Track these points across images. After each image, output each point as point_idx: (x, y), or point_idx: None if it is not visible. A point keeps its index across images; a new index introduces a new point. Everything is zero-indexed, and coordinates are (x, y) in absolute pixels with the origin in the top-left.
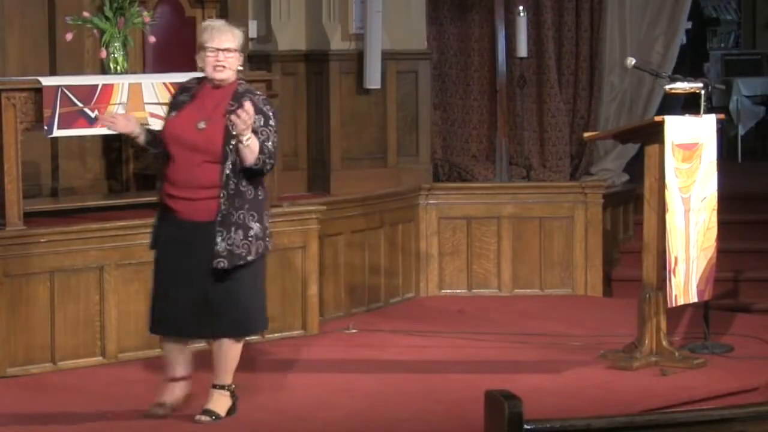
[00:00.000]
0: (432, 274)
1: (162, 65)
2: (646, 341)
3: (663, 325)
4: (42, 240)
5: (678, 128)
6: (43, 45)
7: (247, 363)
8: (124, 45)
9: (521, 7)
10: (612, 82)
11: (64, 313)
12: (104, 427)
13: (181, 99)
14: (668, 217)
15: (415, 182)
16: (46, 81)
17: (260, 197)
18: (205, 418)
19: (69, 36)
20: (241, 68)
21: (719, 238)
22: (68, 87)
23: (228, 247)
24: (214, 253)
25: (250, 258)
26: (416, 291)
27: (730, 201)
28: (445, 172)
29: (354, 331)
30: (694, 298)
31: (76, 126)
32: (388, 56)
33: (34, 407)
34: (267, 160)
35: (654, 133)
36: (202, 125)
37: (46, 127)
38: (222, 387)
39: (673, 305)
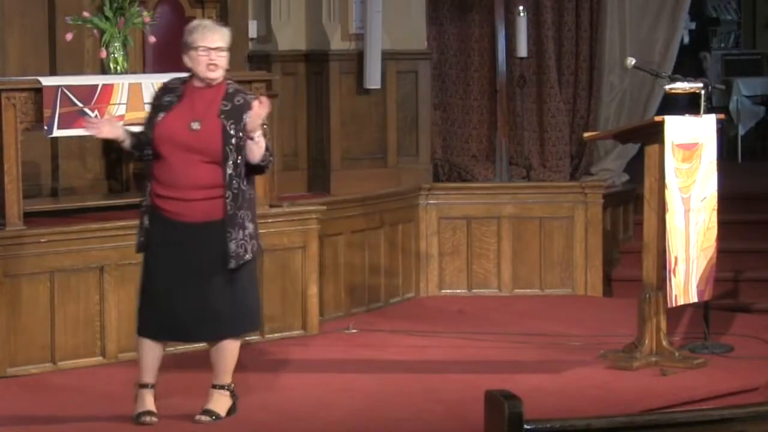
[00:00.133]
0: (432, 274)
1: (162, 65)
2: (646, 341)
3: (663, 325)
4: (42, 240)
5: (678, 128)
6: (43, 45)
7: (247, 363)
8: (124, 45)
9: (521, 7)
10: (612, 82)
11: (64, 313)
12: (104, 427)
13: (166, 100)
14: (668, 217)
15: (415, 182)
16: (46, 81)
17: (253, 197)
18: (205, 418)
19: (69, 36)
20: (227, 68)
21: (719, 238)
22: (68, 87)
23: (236, 248)
24: (226, 253)
25: (248, 257)
26: (416, 291)
27: (730, 201)
28: (445, 172)
29: (354, 331)
30: (694, 298)
31: (76, 126)
32: (388, 56)
33: (34, 407)
34: (270, 157)
35: (654, 133)
36: (195, 126)
37: (46, 127)
38: (222, 387)
39: (673, 305)
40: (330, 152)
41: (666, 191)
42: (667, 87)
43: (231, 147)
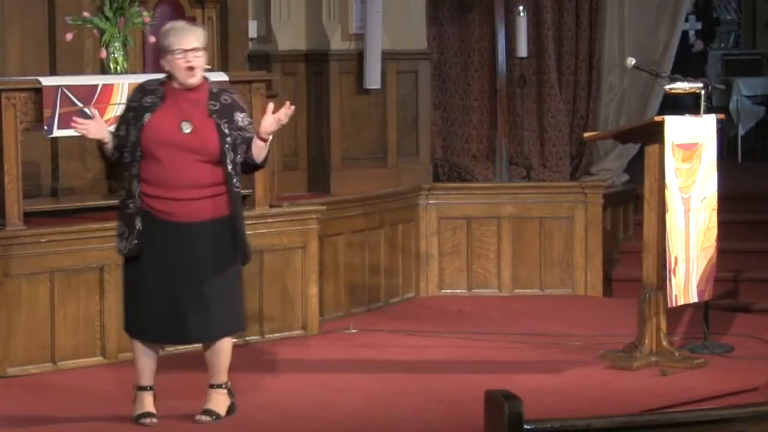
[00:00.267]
0: (432, 274)
1: (162, 65)
2: (646, 341)
3: (663, 325)
4: (42, 240)
5: (678, 128)
6: (43, 45)
7: (247, 363)
8: (124, 45)
9: (521, 7)
10: (611, 82)
11: (64, 313)
12: (104, 428)
13: (148, 101)
14: (668, 217)
15: (415, 182)
16: (46, 81)
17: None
18: (206, 418)
19: (69, 36)
20: (209, 67)
21: (719, 238)
22: (68, 87)
23: (248, 242)
24: (240, 248)
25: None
26: (416, 291)
27: (730, 201)
28: (445, 172)
29: (354, 331)
30: (694, 298)
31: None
32: (388, 56)
33: (34, 407)
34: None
35: (654, 133)
36: (187, 127)
37: (46, 127)
38: (219, 386)
39: (673, 305)
40: (330, 152)
41: (666, 191)
42: (667, 87)
43: (228, 146)
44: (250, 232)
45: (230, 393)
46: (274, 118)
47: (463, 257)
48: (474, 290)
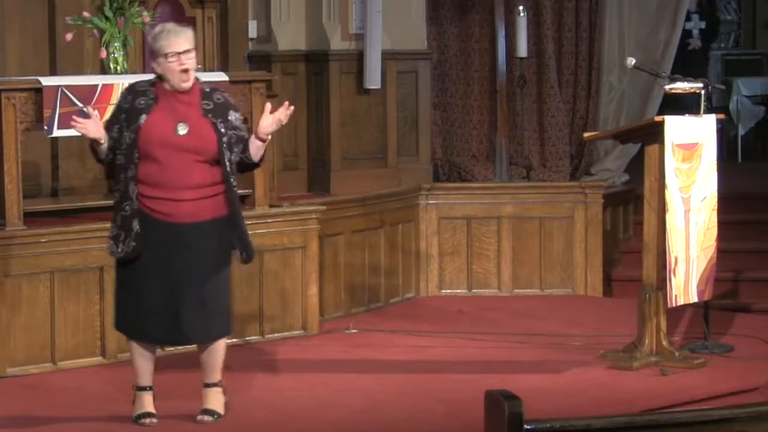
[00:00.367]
0: (432, 274)
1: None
2: (646, 341)
3: (663, 325)
4: (42, 240)
5: (678, 128)
6: (43, 45)
7: (247, 363)
8: (124, 45)
9: (521, 7)
10: (611, 81)
11: (64, 313)
12: (104, 428)
13: (141, 102)
14: (668, 217)
15: (415, 182)
16: (46, 81)
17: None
18: (207, 418)
19: (69, 36)
20: (200, 66)
21: (719, 238)
22: (68, 87)
23: (244, 244)
24: (243, 249)
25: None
26: (416, 291)
27: (730, 201)
28: (445, 172)
29: (354, 331)
30: (694, 298)
31: None
32: (388, 56)
33: (34, 407)
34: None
35: (654, 133)
36: (183, 128)
37: (46, 127)
38: (215, 384)
39: (673, 305)
40: (330, 152)
41: (666, 191)
42: (667, 87)
43: (225, 145)
44: (250, 232)
45: (223, 390)
46: (274, 119)
47: (463, 257)
48: (474, 290)
